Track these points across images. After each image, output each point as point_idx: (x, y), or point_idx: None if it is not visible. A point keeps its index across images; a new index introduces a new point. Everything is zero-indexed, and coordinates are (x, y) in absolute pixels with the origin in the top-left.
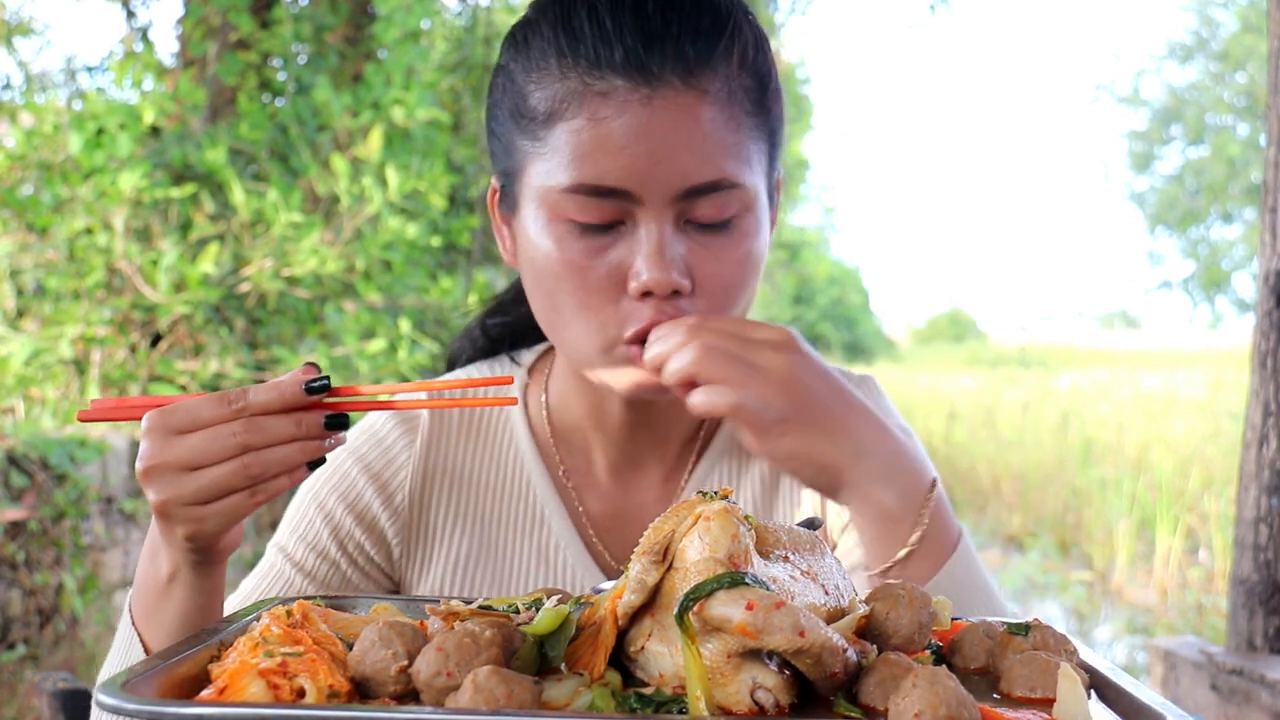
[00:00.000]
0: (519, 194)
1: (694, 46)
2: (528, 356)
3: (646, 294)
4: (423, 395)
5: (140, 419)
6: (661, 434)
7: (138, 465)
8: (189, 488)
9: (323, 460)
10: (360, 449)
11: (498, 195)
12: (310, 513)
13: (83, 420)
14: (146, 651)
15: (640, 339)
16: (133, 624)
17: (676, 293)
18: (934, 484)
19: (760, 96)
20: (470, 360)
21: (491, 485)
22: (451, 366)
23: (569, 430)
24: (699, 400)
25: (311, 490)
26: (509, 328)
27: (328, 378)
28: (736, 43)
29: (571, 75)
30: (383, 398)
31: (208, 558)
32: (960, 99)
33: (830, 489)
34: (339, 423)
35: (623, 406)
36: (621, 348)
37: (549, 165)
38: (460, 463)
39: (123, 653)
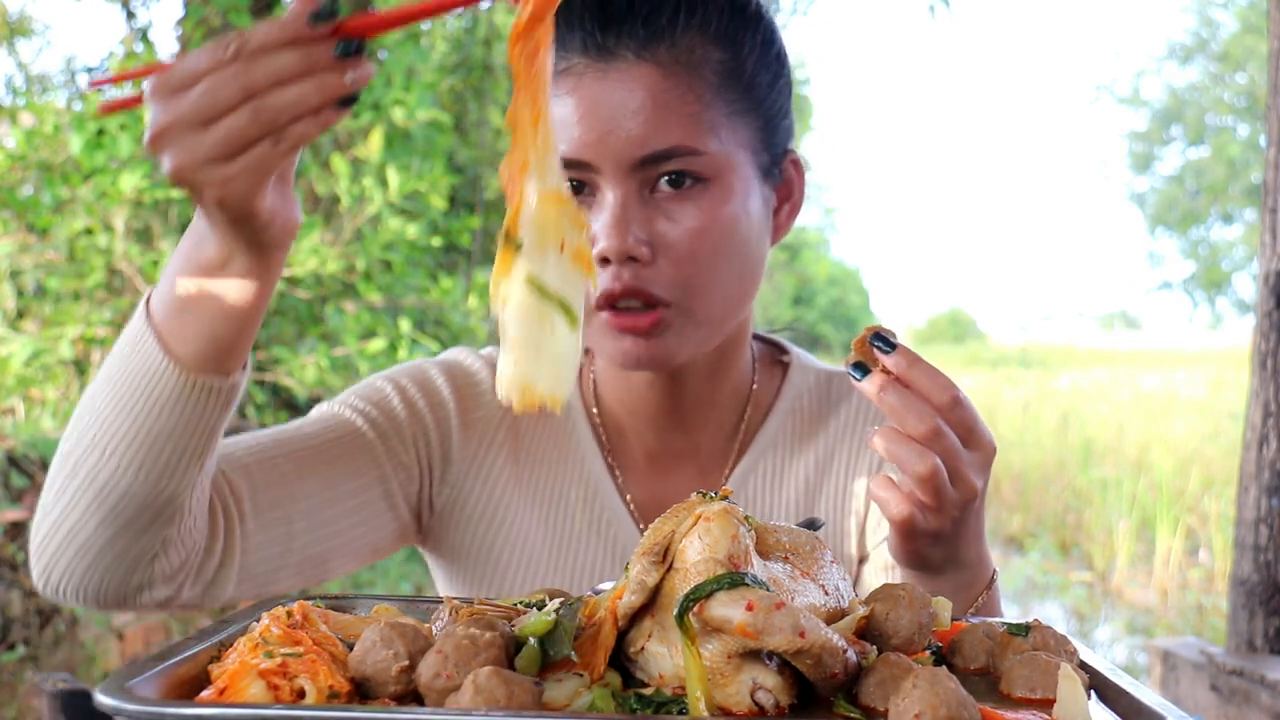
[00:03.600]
0: None
1: (647, 21)
2: None
3: (606, 261)
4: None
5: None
6: (696, 424)
7: (146, 136)
8: (203, 145)
9: (354, 99)
10: (450, 367)
11: None
12: (382, 385)
13: (105, 112)
14: (165, 348)
15: (610, 301)
16: (148, 319)
17: (635, 260)
18: (992, 579)
19: (733, 67)
20: None
21: (553, 456)
22: None
23: (610, 414)
24: (884, 497)
25: (385, 374)
26: None
27: (335, 3)
28: (696, 13)
29: None
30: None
31: (256, 236)
32: (960, 99)
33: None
34: (354, 49)
35: (648, 391)
36: (596, 315)
37: None
38: (529, 428)
39: (124, 358)
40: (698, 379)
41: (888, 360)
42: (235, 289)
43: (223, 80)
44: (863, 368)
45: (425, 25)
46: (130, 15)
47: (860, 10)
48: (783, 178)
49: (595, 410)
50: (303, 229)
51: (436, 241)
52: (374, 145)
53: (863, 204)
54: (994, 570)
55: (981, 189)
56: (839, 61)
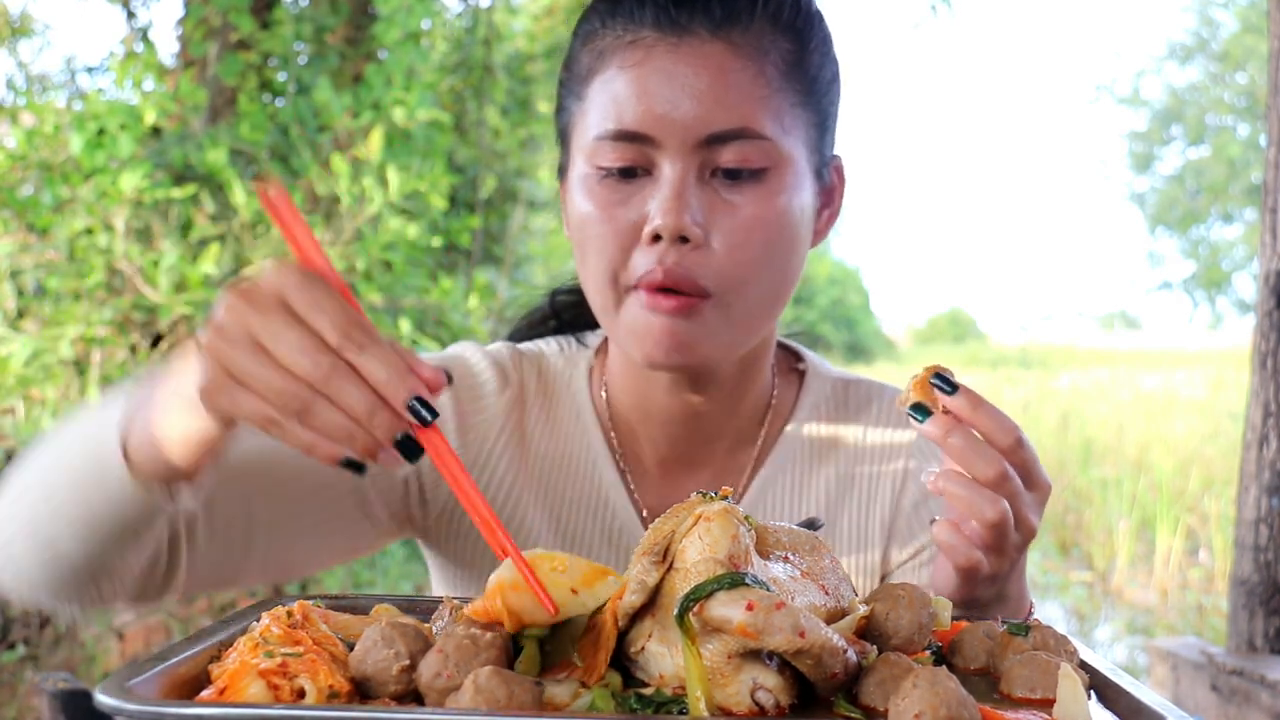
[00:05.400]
0: (570, 157)
1: (723, 1)
2: (593, 338)
3: (657, 239)
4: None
5: (300, 245)
6: (711, 430)
7: (227, 293)
8: (240, 360)
9: (362, 469)
10: (452, 365)
11: (561, 171)
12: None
13: (265, 198)
14: (126, 454)
15: (649, 286)
16: (121, 419)
17: (687, 240)
18: (1030, 612)
19: (798, 59)
20: (530, 338)
21: (561, 459)
22: (512, 338)
23: (622, 418)
24: (951, 543)
25: None
26: (578, 309)
27: (435, 415)
28: (771, 1)
29: (610, 34)
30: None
31: (201, 419)
32: (961, 99)
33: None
34: (410, 451)
35: (668, 396)
36: (632, 295)
37: (587, 119)
38: (535, 430)
39: (93, 431)
40: (722, 388)
41: (950, 402)
42: (202, 449)
43: (308, 352)
44: (922, 408)
45: (425, 24)
46: (130, 15)
47: (861, 10)
48: (828, 182)
49: (608, 414)
50: None
51: (436, 241)
52: (374, 145)
53: (862, 204)
54: (1031, 604)
55: (981, 189)
56: (839, 61)
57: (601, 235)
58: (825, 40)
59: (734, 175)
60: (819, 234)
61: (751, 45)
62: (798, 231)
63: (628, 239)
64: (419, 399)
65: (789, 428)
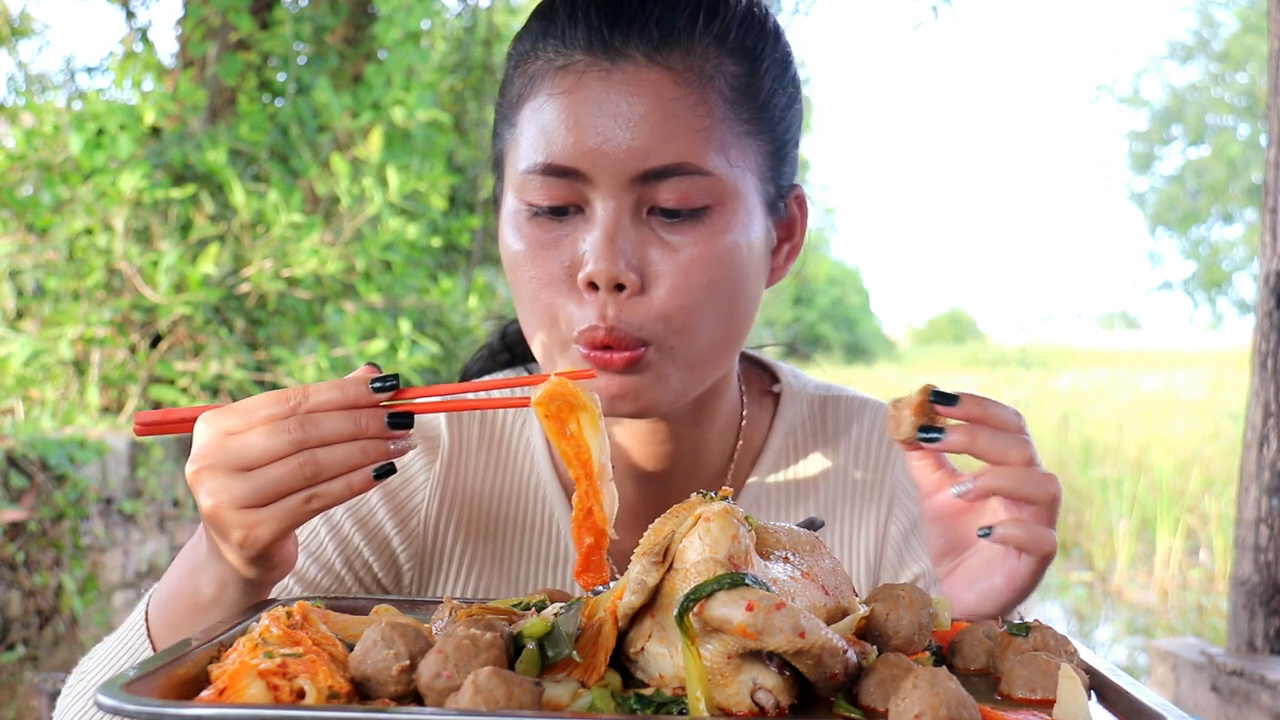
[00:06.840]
0: (503, 188)
1: (661, 22)
2: None
3: (593, 286)
4: (494, 394)
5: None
6: (681, 473)
7: (188, 468)
8: (242, 489)
9: (392, 469)
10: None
11: (495, 200)
12: (315, 523)
13: (141, 434)
14: None
15: (591, 344)
16: (149, 634)
17: (623, 287)
18: None
19: (748, 83)
20: (485, 373)
21: (513, 515)
22: (464, 378)
23: None
24: (1030, 536)
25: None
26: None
27: (396, 377)
28: (716, 19)
29: (542, 57)
30: (454, 397)
31: (260, 575)
32: (961, 99)
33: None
34: (403, 421)
35: (633, 444)
36: (574, 349)
37: (517, 149)
38: (480, 489)
39: (127, 654)
40: (681, 427)
41: (958, 411)
42: (222, 615)
43: (277, 431)
44: (929, 428)
45: (425, 24)
46: (130, 15)
47: (861, 10)
48: (786, 214)
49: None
50: (303, 229)
51: (436, 241)
52: (374, 145)
53: (863, 204)
54: None
55: (981, 189)
56: (839, 61)
57: (534, 279)
58: (782, 60)
59: (673, 215)
60: (777, 271)
61: (694, 70)
62: (746, 271)
63: (562, 283)
64: (375, 379)
65: (763, 458)
